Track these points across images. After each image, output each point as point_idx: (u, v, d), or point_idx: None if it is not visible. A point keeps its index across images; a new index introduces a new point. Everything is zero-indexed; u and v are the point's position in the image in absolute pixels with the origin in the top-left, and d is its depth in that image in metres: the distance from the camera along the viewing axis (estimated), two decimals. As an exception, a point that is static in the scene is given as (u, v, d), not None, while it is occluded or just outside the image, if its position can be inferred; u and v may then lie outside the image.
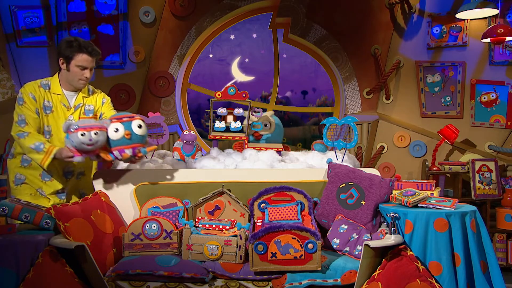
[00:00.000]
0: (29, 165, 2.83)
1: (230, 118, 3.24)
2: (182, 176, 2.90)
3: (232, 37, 4.66)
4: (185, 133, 3.22)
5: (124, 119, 2.57)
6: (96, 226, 2.42)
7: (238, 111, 3.23)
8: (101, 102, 3.00)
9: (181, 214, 2.74)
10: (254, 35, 4.67)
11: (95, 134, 2.47)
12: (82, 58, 2.77)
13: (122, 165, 2.98)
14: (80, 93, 2.91)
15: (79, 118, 2.87)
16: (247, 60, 4.71)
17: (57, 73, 2.88)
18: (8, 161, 2.91)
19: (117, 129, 2.55)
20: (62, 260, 2.14)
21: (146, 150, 2.66)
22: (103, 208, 2.58)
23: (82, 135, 2.46)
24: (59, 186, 2.87)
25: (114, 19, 4.22)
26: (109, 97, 3.06)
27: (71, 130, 2.48)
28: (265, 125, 3.32)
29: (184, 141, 3.18)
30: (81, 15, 4.16)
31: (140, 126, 2.57)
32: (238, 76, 4.72)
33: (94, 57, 2.82)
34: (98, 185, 2.84)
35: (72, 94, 2.89)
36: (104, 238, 2.44)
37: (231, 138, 3.25)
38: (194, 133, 3.21)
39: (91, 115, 2.94)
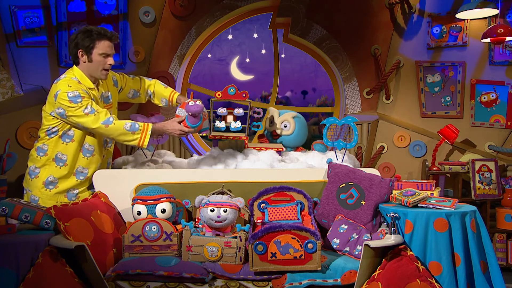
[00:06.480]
0: (64, 164, 2.75)
1: (230, 118, 3.24)
2: (182, 176, 2.90)
3: (232, 37, 4.66)
4: (190, 103, 2.80)
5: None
6: (96, 226, 2.42)
7: (238, 111, 3.23)
8: (112, 83, 2.92)
9: (181, 215, 2.74)
10: (254, 35, 4.67)
11: (224, 211, 2.47)
12: (104, 45, 2.71)
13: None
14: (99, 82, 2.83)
15: (104, 109, 2.76)
16: (247, 60, 4.72)
17: (74, 68, 2.75)
18: (37, 159, 2.75)
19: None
20: (62, 260, 2.14)
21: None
22: (102, 208, 2.58)
23: (211, 211, 2.47)
24: (89, 183, 2.84)
25: (114, 19, 4.21)
26: (117, 74, 3.00)
27: (202, 205, 2.51)
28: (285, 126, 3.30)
29: (190, 113, 2.83)
30: (81, 15, 4.15)
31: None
32: (238, 76, 4.73)
33: (114, 42, 2.77)
34: (98, 185, 2.83)
35: (94, 87, 2.80)
36: (104, 238, 2.44)
37: (231, 138, 3.25)
38: (200, 103, 2.83)
39: (111, 101, 2.87)
